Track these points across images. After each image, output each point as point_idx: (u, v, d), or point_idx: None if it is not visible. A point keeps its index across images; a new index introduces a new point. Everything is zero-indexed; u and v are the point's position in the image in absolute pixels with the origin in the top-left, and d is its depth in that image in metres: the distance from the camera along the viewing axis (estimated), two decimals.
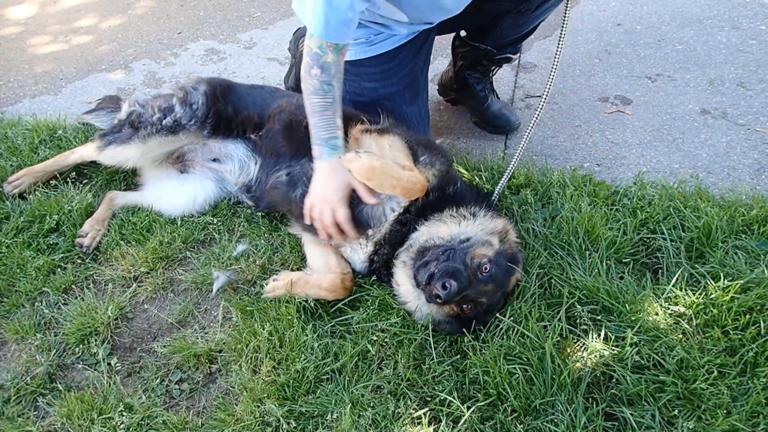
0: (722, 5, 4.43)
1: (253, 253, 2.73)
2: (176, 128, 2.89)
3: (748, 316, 2.22)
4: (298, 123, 2.69)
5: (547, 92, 2.77)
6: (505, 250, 2.36)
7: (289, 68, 3.76)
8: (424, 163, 2.53)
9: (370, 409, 2.10)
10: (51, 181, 3.13)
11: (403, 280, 2.40)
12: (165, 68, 4.33)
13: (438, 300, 2.14)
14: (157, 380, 2.31)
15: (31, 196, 3.00)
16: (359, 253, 2.58)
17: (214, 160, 3.00)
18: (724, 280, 2.32)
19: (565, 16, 2.66)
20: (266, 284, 2.53)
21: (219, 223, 2.91)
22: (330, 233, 2.44)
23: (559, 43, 2.69)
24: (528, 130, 2.79)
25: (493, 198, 2.69)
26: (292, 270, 2.64)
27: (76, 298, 2.60)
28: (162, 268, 2.72)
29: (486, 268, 2.24)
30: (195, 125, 2.90)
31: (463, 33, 3.33)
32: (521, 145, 2.79)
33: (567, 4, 2.68)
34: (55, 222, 2.87)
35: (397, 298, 2.44)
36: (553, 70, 2.73)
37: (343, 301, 2.47)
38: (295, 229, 2.75)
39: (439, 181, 2.52)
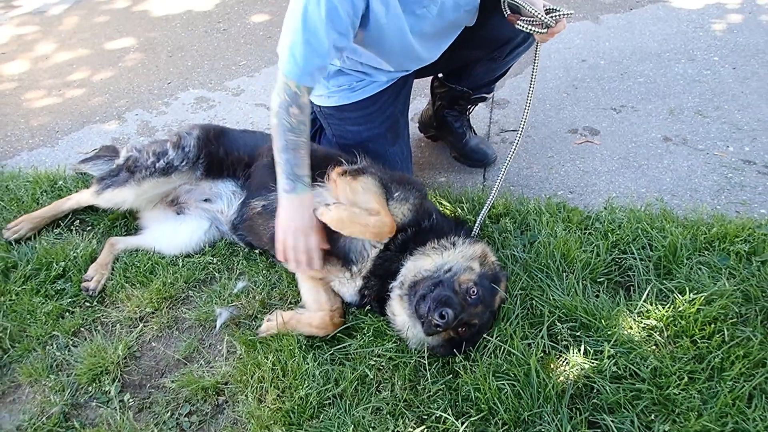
0: (678, 39, 4.74)
1: (253, 289, 2.88)
2: (169, 170, 3.07)
3: (713, 326, 2.40)
4: None
5: (523, 126, 2.95)
6: (487, 272, 2.53)
7: None
8: (398, 199, 2.68)
9: (371, 429, 2.24)
10: (55, 229, 3.27)
11: (399, 311, 2.54)
12: (157, 117, 4.51)
13: (438, 329, 2.29)
14: (168, 414, 2.42)
15: (37, 245, 3.13)
16: (348, 287, 2.73)
17: (206, 200, 3.17)
18: (690, 293, 2.52)
19: (535, 59, 2.88)
20: (261, 325, 2.67)
21: (218, 263, 3.05)
22: (301, 261, 2.57)
23: (531, 82, 2.89)
24: (506, 163, 2.97)
25: (468, 225, 2.87)
26: (290, 306, 2.79)
27: (86, 339, 2.72)
28: (166, 307, 2.85)
29: (473, 292, 2.42)
30: (186, 166, 3.08)
31: (440, 75, 3.55)
32: (500, 178, 2.97)
33: (537, 48, 2.88)
34: (61, 268, 3.00)
35: (393, 327, 2.59)
36: (527, 107, 2.93)
37: (340, 330, 2.62)
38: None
39: (414, 214, 2.68)
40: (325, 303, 2.68)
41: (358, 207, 2.58)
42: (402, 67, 2.95)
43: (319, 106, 3.16)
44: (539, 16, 2.62)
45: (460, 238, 2.65)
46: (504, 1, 2.74)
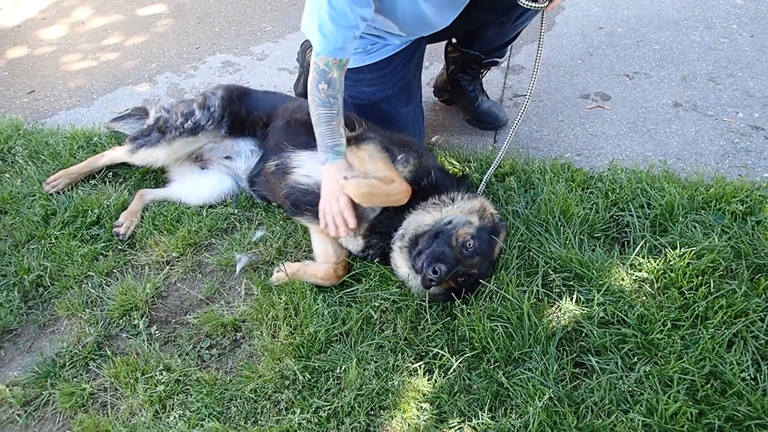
0: (698, 7, 4.75)
1: (270, 238, 3.09)
2: (196, 129, 3.27)
3: (700, 278, 2.53)
4: (297, 121, 3.06)
5: (531, 90, 3.09)
6: (486, 225, 2.69)
7: (297, 77, 4.13)
8: (401, 162, 2.83)
9: (373, 363, 2.44)
10: (90, 181, 3.52)
11: (401, 263, 2.72)
12: (186, 80, 4.72)
13: (432, 283, 2.48)
14: (191, 346, 2.65)
15: (74, 195, 3.38)
16: (352, 244, 2.90)
17: (227, 157, 3.38)
18: (681, 248, 2.65)
19: (541, 27, 2.99)
20: (272, 274, 2.87)
21: (239, 214, 3.26)
22: (338, 224, 2.70)
23: (538, 49, 3.02)
24: (515, 124, 3.11)
25: (469, 180, 3.01)
26: (304, 253, 2.99)
27: (117, 279, 2.97)
28: (191, 253, 3.08)
29: (470, 245, 2.58)
30: (212, 125, 3.28)
31: (454, 39, 3.67)
32: (507, 139, 3.12)
33: (542, 16, 2.99)
34: (96, 215, 3.24)
35: (397, 276, 2.77)
36: (535, 70, 3.06)
37: (349, 275, 2.82)
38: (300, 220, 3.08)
39: (415, 174, 2.82)
40: (331, 255, 2.87)
41: (373, 177, 2.72)
42: (414, 33, 3.08)
43: None
44: None
45: (460, 193, 2.79)
46: None
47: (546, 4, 2.81)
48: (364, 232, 2.83)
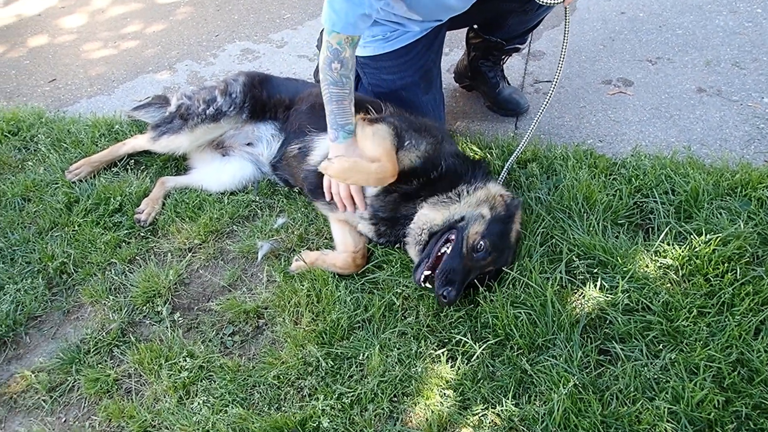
0: None
1: (292, 225, 3.10)
2: (218, 116, 3.29)
3: (726, 265, 2.50)
4: (321, 105, 3.06)
5: (557, 78, 3.06)
6: (499, 214, 2.66)
7: (317, 64, 4.11)
8: (409, 147, 2.80)
9: (396, 350, 2.44)
10: (112, 169, 3.55)
11: (414, 257, 2.73)
12: (206, 68, 4.73)
13: (445, 303, 2.48)
14: (213, 333, 2.67)
15: (96, 183, 3.41)
16: (364, 228, 2.89)
17: (248, 144, 3.39)
18: (706, 235, 2.62)
19: (566, 18, 2.97)
20: (291, 263, 2.87)
21: (261, 201, 3.27)
22: (348, 203, 2.78)
23: (564, 40, 2.99)
24: (539, 112, 3.08)
25: (485, 164, 2.96)
26: (324, 240, 2.99)
27: (140, 266, 2.99)
28: (213, 240, 3.10)
29: (480, 246, 2.55)
30: (234, 111, 3.29)
31: (475, 26, 3.64)
32: (532, 126, 3.08)
33: (566, 11, 2.98)
34: (118, 203, 3.26)
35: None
36: (562, 57, 3.03)
37: (371, 262, 2.82)
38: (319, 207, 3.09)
39: (424, 162, 2.80)
40: (350, 244, 2.86)
41: (362, 156, 2.74)
42: (433, 16, 3.05)
43: (356, 56, 3.30)
44: None
45: (470, 185, 2.76)
46: None
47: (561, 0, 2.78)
48: (370, 217, 2.83)
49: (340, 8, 2.57)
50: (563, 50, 3.00)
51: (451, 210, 2.69)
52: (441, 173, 2.81)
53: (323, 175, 2.84)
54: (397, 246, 2.87)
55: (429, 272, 2.52)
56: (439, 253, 2.58)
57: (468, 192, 2.73)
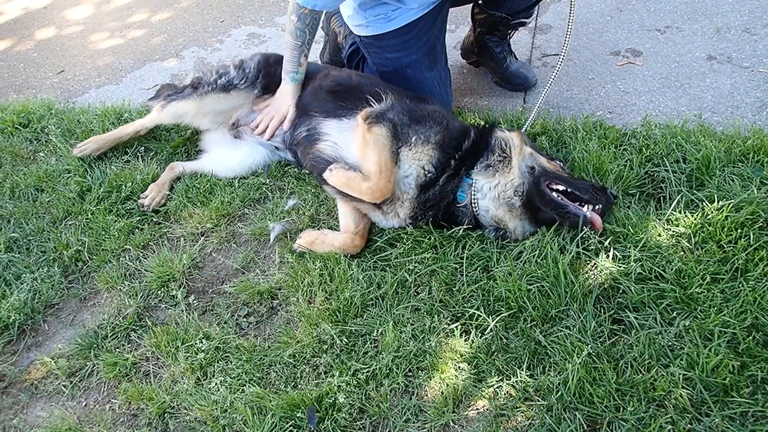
0: None
1: (302, 206, 3.11)
2: (228, 87, 3.33)
3: (739, 231, 2.48)
4: (322, 89, 3.09)
5: (565, 51, 3.05)
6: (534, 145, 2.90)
7: (323, 45, 4.11)
8: (416, 143, 2.76)
9: (409, 325, 2.46)
10: (123, 156, 3.57)
11: (507, 218, 2.70)
12: (212, 54, 4.74)
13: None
14: (228, 315, 2.69)
15: (108, 170, 3.43)
16: (391, 221, 2.87)
17: None
18: (718, 202, 2.60)
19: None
20: (295, 241, 2.89)
21: (271, 183, 3.28)
22: (265, 130, 3.23)
23: (571, 8, 3.01)
24: (547, 86, 3.07)
25: (491, 124, 3.00)
26: (335, 220, 2.99)
27: (154, 252, 3.02)
28: (225, 223, 3.11)
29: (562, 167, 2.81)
30: (245, 84, 3.33)
31: (479, 1, 3.62)
32: (540, 100, 3.08)
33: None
34: (129, 190, 3.29)
35: (484, 221, 2.75)
36: (569, 30, 3.01)
37: (383, 240, 2.83)
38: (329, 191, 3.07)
39: (442, 148, 2.78)
40: (351, 225, 2.87)
41: (359, 169, 2.76)
42: None
43: (360, 36, 3.30)
44: None
45: (493, 140, 2.82)
46: None
47: None
48: (412, 212, 2.80)
49: None
50: (570, 23, 2.99)
51: (514, 164, 2.73)
52: (471, 144, 2.82)
53: (333, 161, 2.89)
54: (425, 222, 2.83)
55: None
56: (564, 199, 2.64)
57: (502, 145, 2.78)
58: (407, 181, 2.77)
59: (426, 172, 2.75)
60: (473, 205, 2.73)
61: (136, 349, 2.64)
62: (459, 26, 4.44)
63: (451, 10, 3.42)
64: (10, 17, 5.80)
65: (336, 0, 3.02)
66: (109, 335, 2.69)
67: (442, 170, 2.75)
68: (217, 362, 2.49)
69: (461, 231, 2.75)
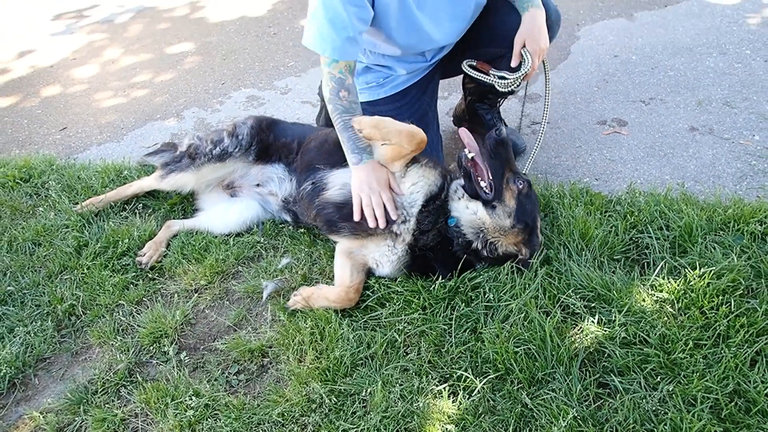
0: (711, 34, 4.83)
1: (296, 265, 3.16)
2: (224, 156, 3.40)
3: (721, 297, 2.54)
4: (329, 143, 3.18)
5: (545, 118, 3.22)
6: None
7: (319, 110, 4.24)
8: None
9: (398, 385, 2.47)
10: (122, 213, 3.64)
11: (471, 205, 2.90)
12: (212, 114, 4.88)
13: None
14: (219, 372, 2.70)
15: (105, 226, 3.50)
16: (392, 256, 2.94)
17: (258, 185, 3.47)
18: (701, 268, 2.67)
19: (545, 74, 3.30)
20: (289, 299, 2.94)
21: (265, 242, 3.34)
22: (380, 215, 2.83)
23: (546, 90, 3.27)
24: (533, 151, 3.20)
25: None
26: (327, 280, 3.04)
27: (148, 308, 3.04)
28: (218, 281, 3.16)
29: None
30: (239, 152, 3.40)
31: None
32: (527, 165, 3.19)
33: (545, 71, 3.37)
34: (126, 246, 3.34)
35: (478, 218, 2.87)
36: (547, 101, 3.19)
37: (372, 300, 2.87)
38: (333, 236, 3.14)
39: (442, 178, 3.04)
40: (346, 279, 2.92)
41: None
42: (416, 48, 3.17)
43: None
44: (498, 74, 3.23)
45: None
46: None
47: (520, 77, 3.16)
48: (411, 238, 2.90)
49: (329, 34, 2.74)
50: (547, 93, 3.18)
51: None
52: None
53: (346, 205, 2.95)
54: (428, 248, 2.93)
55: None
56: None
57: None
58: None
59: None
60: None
61: (125, 404, 2.63)
62: (451, 93, 4.60)
63: (443, 79, 3.58)
64: (18, 75, 5.97)
65: (352, 42, 2.86)
66: (99, 390, 2.69)
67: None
68: (206, 420, 2.49)
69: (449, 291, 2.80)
